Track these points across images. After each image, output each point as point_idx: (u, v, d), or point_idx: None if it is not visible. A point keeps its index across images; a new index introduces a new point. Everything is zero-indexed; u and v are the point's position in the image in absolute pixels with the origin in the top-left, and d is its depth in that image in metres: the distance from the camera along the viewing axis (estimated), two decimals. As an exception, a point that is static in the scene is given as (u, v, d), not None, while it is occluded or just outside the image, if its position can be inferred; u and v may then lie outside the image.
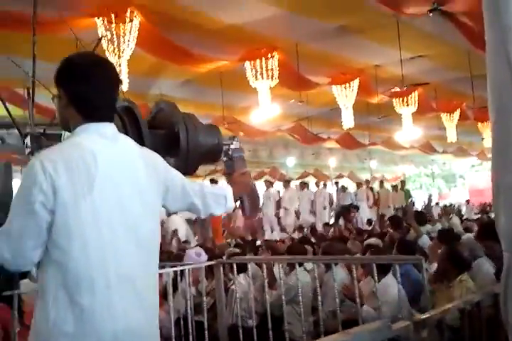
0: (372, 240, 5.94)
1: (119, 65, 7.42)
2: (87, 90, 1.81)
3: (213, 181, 11.51)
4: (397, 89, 11.62)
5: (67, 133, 2.04)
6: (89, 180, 1.70)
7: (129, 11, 7.22)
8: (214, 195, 2.14)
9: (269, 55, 9.27)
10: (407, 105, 12.25)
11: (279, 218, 13.45)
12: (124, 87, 7.32)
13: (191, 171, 2.34)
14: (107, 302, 1.70)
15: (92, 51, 1.97)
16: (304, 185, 14.52)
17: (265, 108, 9.97)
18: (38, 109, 9.23)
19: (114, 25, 7.33)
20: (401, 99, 12.17)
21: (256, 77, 9.40)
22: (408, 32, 8.56)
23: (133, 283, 1.76)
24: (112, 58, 7.43)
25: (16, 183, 1.87)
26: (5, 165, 3.07)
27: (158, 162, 1.97)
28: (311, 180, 17.64)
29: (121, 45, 7.34)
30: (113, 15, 7.14)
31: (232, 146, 2.43)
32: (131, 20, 7.38)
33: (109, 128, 1.85)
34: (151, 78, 10.34)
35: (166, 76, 10.48)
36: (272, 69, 9.45)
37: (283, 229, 12.92)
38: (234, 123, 12.62)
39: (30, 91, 2.89)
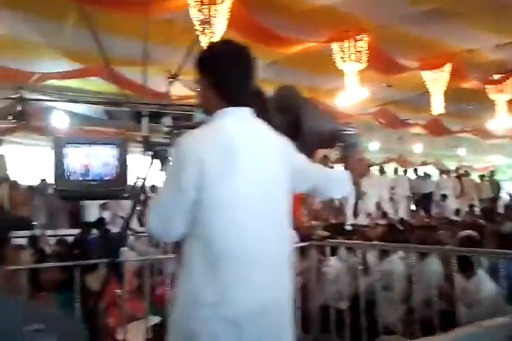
0: (469, 232, 5.58)
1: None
2: (227, 76, 1.92)
3: None
4: (494, 76, 11.08)
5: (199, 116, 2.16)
6: (231, 160, 1.81)
7: (221, -8, 7.36)
8: (335, 179, 2.20)
9: (358, 37, 9.12)
10: (502, 92, 11.65)
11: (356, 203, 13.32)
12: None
13: (309, 156, 2.39)
14: (246, 276, 1.81)
15: (230, 40, 2.08)
16: (382, 171, 14.27)
17: (352, 91, 9.87)
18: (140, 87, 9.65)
19: (206, 7, 7.52)
20: (495, 85, 11.59)
21: (344, 59, 9.30)
22: (506, 16, 8.12)
23: (271, 258, 1.87)
24: (204, 39, 7.64)
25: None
26: (121, 141, 3.28)
27: (286, 144, 2.06)
28: (390, 166, 17.23)
29: (212, 26, 7.51)
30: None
31: (348, 132, 2.45)
32: (222, 1, 7.54)
33: (247, 113, 1.95)
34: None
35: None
36: (360, 52, 9.31)
37: (368, 214, 12.82)
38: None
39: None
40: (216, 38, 7.75)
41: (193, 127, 2.02)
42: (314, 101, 2.50)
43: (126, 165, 3.18)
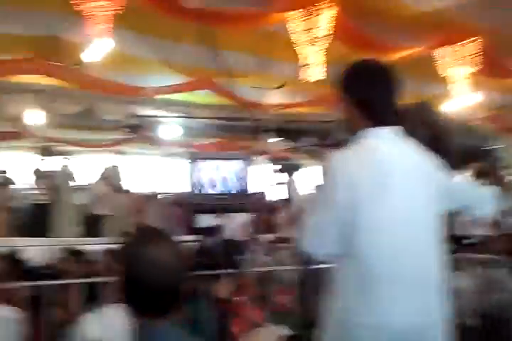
0: None
1: (312, 55, 7.68)
2: (373, 96, 1.95)
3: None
4: None
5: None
6: (383, 182, 1.82)
7: (326, 0, 7.40)
8: (482, 196, 2.13)
9: (468, 41, 8.75)
10: None
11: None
12: (320, 76, 7.57)
13: (453, 172, 2.33)
14: (402, 298, 1.79)
15: (373, 59, 2.12)
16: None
17: (462, 96, 9.47)
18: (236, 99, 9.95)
19: (308, 16, 7.59)
20: None
21: (452, 63, 8.97)
22: None
23: (426, 280, 1.85)
24: (305, 49, 7.72)
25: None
26: (247, 156, 3.38)
27: (436, 164, 2.05)
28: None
29: (314, 35, 7.56)
30: (308, 8, 7.37)
31: (493, 147, 2.36)
32: (324, 11, 7.57)
33: (394, 132, 1.96)
34: (338, 68, 10.46)
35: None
36: (469, 56, 8.93)
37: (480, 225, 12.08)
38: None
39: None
40: (319, 48, 7.81)
41: (336, 145, 2.05)
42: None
43: (252, 179, 3.29)
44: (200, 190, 2.91)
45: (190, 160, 2.89)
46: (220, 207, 3.35)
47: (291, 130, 2.85)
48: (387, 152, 1.87)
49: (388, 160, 1.85)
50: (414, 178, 1.89)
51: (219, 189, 2.94)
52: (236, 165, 3.04)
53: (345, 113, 1.99)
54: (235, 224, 9.81)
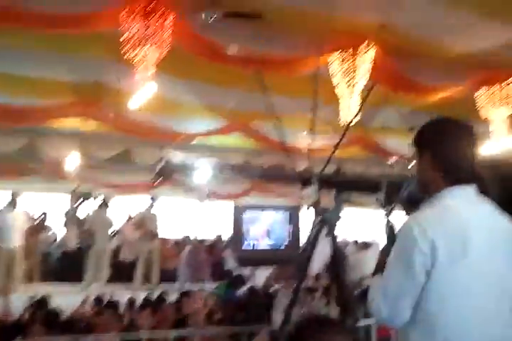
0: None
1: (351, 98, 7.65)
2: (454, 153, 1.88)
3: None
4: None
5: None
6: (463, 244, 1.73)
7: (363, 45, 7.43)
8: None
9: (508, 82, 8.65)
10: None
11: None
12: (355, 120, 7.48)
13: None
14: None
15: (450, 116, 2.07)
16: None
17: (501, 138, 9.28)
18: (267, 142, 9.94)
19: (348, 59, 7.61)
20: None
21: (491, 104, 8.84)
22: None
23: None
24: (345, 91, 7.70)
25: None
26: (293, 206, 3.32)
27: None
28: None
29: (355, 77, 7.55)
30: (351, 50, 7.41)
31: None
32: (364, 55, 7.59)
33: (473, 192, 1.88)
34: (374, 110, 10.43)
35: (391, 107, 10.47)
36: (508, 97, 8.81)
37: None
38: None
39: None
40: (358, 89, 7.78)
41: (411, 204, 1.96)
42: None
43: (299, 231, 3.20)
44: (245, 243, 2.80)
45: (235, 213, 2.81)
46: (266, 261, 3.21)
47: (338, 181, 2.79)
48: (468, 213, 1.79)
49: (470, 223, 1.77)
50: (496, 242, 1.79)
51: (266, 242, 2.83)
52: (285, 216, 2.94)
53: (422, 171, 1.93)
54: (266, 274, 9.59)
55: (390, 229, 2.14)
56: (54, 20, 6.51)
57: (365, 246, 10.25)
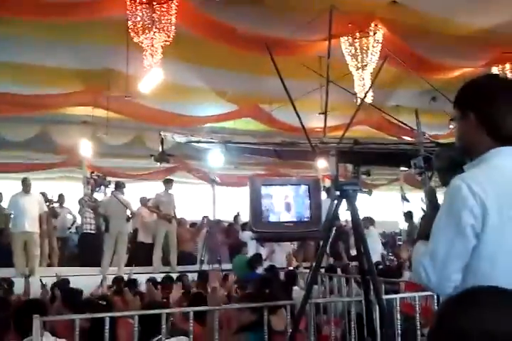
0: None
1: (363, 79, 7.59)
2: (501, 113, 1.79)
3: None
4: None
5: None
6: None
7: (373, 24, 7.34)
8: None
9: (521, 58, 8.50)
10: None
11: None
12: (368, 99, 7.43)
13: None
14: None
15: (494, 73, 1.98)
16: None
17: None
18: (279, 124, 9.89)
19: (357, 41, 7.54)
20: None
21: (505, 82, 8.70)
22: None
23: None
24: (355, 72, 7.64)
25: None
26: (313, 181, 3.31)
27: None
28: None
29: (364, 58, 7.48)
30: (357, 31, 7.32)
31: None
32: (374, 33, 7.50)
33: None
34: (387, 89, 10.32)
35: (403, 86, 10.35)
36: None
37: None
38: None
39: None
40: (368, 70, 7.71)
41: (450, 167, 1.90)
42: None
43: (320, 206, 3.13)
44: (264, 219, 2.79)
45: (251, 188, 2.78)
46: (287, 236, 3.20)
47: (357, 153, 2.73)
48: None
49: None
50: None
51: (286, 217, 2.81)
52: (304, 191, 2.91)
53: (466, 132, 1.84)
54: (284, 252, 9.62)
55: (431, 193, 2.05)
56: (61, 8, 6.52)
57: (371, 222, 10.25)
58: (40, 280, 6.17)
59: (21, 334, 3.12)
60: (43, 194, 9.56)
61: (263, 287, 4.09)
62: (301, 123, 3.22)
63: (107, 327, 2.97)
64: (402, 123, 4.00)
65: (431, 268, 1.69)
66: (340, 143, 3.29)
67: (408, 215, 11.50)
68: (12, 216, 8.77)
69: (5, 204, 9.30)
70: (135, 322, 3.05)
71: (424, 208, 2.06)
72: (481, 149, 1.79)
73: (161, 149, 6.96)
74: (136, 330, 3.02)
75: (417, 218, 11.87)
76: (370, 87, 7.29)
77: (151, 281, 6.61)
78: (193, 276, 7.42)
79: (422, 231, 1.90)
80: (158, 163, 6.90)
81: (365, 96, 6.67)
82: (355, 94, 7.35)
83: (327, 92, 3.58)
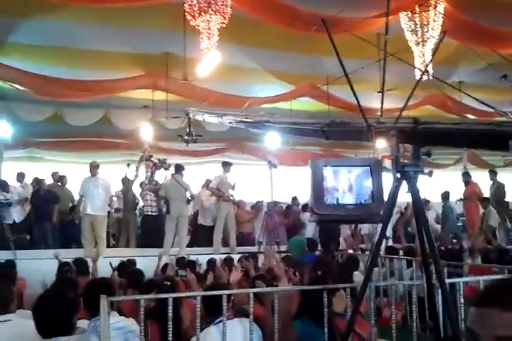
0: None
1: (423, 55, 7.32)
2: None
3: None
4: None
5: None
6: None
7: (433, -2, 7.05)
8: None
9: None
10: None
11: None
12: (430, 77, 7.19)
13: None
14: None
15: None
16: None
17: None
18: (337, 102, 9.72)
19: (417, 15, 7.26)
20: None
21: None
22: None
23: None
24: (416, 49, 7.38)
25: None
26: (376, 162, 3.25)
27: None
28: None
29: (424, 34, 7.21)
30: (417, 6, 7.04)
31: None
32: (434, 7, 7.20)
33: None
34: (450, 66, 9.93)
35: (466, 62, 9.92)
36: None
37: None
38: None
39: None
40: (429, 46, 7.42)
41: None
42: None
43: (382, 188, 3.07)
44: (327, 201, 2.76)
45: (313, 169, 2.76)
46: (351, 219, 3.16)
47: (421, 132, 2.63)
48: None
49: None
50: None
51: (349, 199, 2.77)
52: (366, 172, 2.86)
53: None
54: (343, 235, 9.56)
55: None
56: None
57: (426, 203, 10.08)
58: (110, 263, 6.41)
59: (91, 313, 3.26)
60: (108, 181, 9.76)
61: (318, 269, 4.08)
62: (357, 99, 3.12)
63: (171, 307, 3.05)
64: (480, 101, 3.81)
65: None
66: (398, 123, 3.17)
67: (445, 196, 11.13)
68: (82, 199, 9.18)
69: (73, 188, 9.75)
70: (197, 302, 3.13)
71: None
72: None
73: (188, 130, 6.98)
74: (198, 311, 3.10)
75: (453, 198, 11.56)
76: (431, 61, 7.02)
77: (215, 262, 6.76)
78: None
79: None
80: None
81: (425, 71, 6.44)
82: (414, 67, 7.09)
83: (384, 69, 3.46)
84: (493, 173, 11.28)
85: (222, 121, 5.79)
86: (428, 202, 10.87)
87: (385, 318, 4.88)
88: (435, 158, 16.76)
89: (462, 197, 11.31)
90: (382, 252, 7.07)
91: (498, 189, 11.01)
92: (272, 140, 10.30)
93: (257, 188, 13.07)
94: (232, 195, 10.09)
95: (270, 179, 11.62)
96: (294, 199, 12.07)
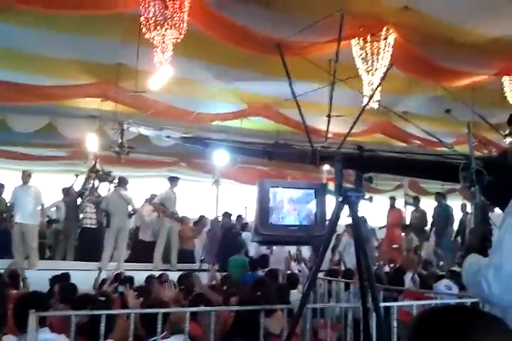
0: None
1: (371, 83, 7.54)
2: None
3: None
4: None
5: None
6: None
7: (384, 29, 7.30)
8: None
9: (533, 68, 8.44)
10: None
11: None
12: (375, 104, 7.42)
13: None
14: None
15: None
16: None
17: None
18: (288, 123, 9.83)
19: (368, 45, 7.50)
20: None
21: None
22: None
23: None
24: (365, 76, 7.59)
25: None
26: (322, 185, 3.29)
27: None
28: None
29: (374, 63, 7.45)
30: (369, 35, 7.28)
31: None
32: (385, 38, 7.46)
33: None
34: (397, 95, 10.28)
35: (412, 93, 10.30)
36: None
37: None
38: (480, 142, 11.78)
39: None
40: (378, 75, 7.66)
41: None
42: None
43: (325, 211, 3.12)
44: (271, 221, 2.76)
45: (260, 189, 2.76)
46: (291, 240, 3.17)
47: (362, 160, 2.69)
48: None
49: None
50: None
51: (292, 221, 2.78)
52: (311, 195, 2.89)
53: None
54: (283, 255, 9.59)
55: (482, 208, 2.07)
56: (74, 2, 6.53)
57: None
58: (20, 273, 6.13)
59: (20, 329, 3.11)
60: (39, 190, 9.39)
61: (257, 289, 4.07)
62: (304, 122, 3.18)
63: (103, 324, 2.96)
64: (426, 132, 3.95)
65: (494, 280, 1.70)
66: (342, 148, 3.24)
67: (440, 195, 11.07)
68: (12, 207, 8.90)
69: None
70: (131, 320, 3.05)
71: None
72: None
73: (120, 141, 6.81)
74: (131, 329, 3.02)
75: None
76: (376, 90, 7.23)
77: (153, 278, 6.61)
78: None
79: (470, 244, 1.95)
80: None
81: (371, 98, 6.62)
82: (362, 94, 7.29)
83: (331, 95, 3.54)
84: (441, 196, 11.16)
85: (159, 134, 5.73)
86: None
87: (321, 339, 4.91)
88: (377, 184, 17.25)
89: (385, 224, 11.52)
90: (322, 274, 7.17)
91: (422, 216, 11.21)
92: (220, 157, 10.31)
93: (203, 205, 12.99)
94: (176, 211, 9.96)
95: (216, 196, 11.61)
96: (239, 217, 12.06)
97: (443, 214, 10.49)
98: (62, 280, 6.30)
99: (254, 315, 3.38)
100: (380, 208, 11.76)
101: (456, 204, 11.48)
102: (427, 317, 1.13)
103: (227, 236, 10.44)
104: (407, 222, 11.47)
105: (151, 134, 6.50)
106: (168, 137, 5.50)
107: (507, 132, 1.80)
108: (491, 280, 1.69)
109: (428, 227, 11.00)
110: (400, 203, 12.51)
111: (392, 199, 11.61)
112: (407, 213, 12.26)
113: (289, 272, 7.65)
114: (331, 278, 6.55)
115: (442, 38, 7.53)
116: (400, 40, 7.46)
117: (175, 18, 6.63)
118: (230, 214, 11.10)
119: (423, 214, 11.28)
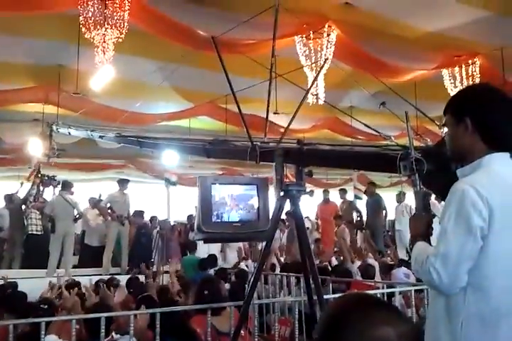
0: None
1: (315, 79, 7.62)
2: (497, 119, 1.85)
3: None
4: None
5: None
6: None
7: (326, 25, 7.39)
8: None
9: (470, 62, 8.72)
10: None
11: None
12: (320, 101, 7.50)
13: None
14: None
15: (487, 83, 2.01)
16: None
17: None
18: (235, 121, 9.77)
19: (311, 41, 7.58)
20: None
21: (455, 85, 8.91)
22: None
23: None
24: (309, 73, 7.66)
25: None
26: (262, 181, 3.26)
27: None
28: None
29: (318, 59, 7.53)
30: (311, 32, 7.36)
31: None
32: (328, 35, 7.56)
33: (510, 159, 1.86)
34: (342, 90, 10.43)
35: (357, 88, 10.48)
36: (472, 76, 8.89)
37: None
38: (424, 134, 12.11)
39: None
40: (322, 71, 7.75)
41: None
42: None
43: (268, 206, 3.11)
44: (213, 219, 2.73)
45: (201, 186, 2.71)
46: (235, 236, 3.15)
47: (306, 154, 2.71)
48: None
49: None
50: None
51: (235, 218, 2.75)
52: (253, 191, 2.87)
53: (459, 138, 1.88)
54: (234, 253, 9.61)
55: (423, 196, 2.10)
56: (10, 2, 6.31)
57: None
58: None
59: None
60: None
61: (204, 288, 4.04)
62: (243, 118, 3.18)
63: (43, 332, 2.87)
64: (365, 125, 4.01)
65: (443, 269, 1.72)
66: (282, 143, 3.26)
67: (372, 185, 11.16)
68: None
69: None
70: (72, 326, 2.97)
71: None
72: (474, 155, 1.85)
73: (49, 143, 6.56)
74: (73, 335, 2.94)
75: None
76: (313, 84, 7.28)
77: (102, 283, 6.46)
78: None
79: (416, 232, 1.96)
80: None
81: (312, 94, 6.65)
82: (304, 90, 7.36)
83: (269, 90, 3.54)
84: (343, 192, 11.68)
85: (92, 135, 5.61)
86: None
87: (273, 335, 4.93)
88: (329, 178, 17.49)
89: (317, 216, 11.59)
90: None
91: (349, 207, 11.43)
92: (169, 157, 10.17)
93: (154, 206, 12.84)
94: (127, 214, 9.76)
95: (167, 197, 11.51)
96: (190, 217, 11.99)
97: (375, 204, 10.58)
98: (8, 290, 6.10)
99: (180, 316, 3.36)
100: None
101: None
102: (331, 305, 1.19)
103: (138, 236, 10.20)
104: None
105: (82, 135, 6.34)
106: (102, 137, 5.39)
107: (443, 122, 1.83)
108: (440, 270, 1.71)
109: (355, 217, 11.22)
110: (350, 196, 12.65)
111: (326, 192, 11.57)
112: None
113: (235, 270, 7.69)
114: (281, 273, 6.59)
115: (383, 33, 7.68)
116: (342, 36, 7.57)
117: (115, 18, 6.52)
118: (143, 212, 10.81)
119: (349, 204, 11.52)
